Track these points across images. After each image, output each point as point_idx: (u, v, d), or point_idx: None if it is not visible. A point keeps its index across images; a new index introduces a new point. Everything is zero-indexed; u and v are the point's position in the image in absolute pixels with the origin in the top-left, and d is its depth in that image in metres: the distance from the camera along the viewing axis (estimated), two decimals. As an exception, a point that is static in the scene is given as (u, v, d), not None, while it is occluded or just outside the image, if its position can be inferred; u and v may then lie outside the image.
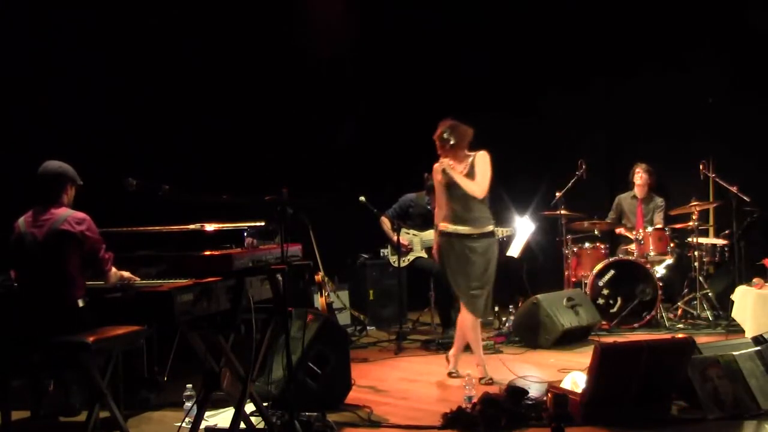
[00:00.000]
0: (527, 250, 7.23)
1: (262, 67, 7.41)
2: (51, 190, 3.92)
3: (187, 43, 6.69)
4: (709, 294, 6.93)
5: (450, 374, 5.20)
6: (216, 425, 4.04)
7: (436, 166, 5.06)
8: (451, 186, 4.99)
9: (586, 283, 6.98)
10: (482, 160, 5.00)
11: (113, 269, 3.93)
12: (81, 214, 3.88)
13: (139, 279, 4.02)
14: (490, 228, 5.05)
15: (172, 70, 6.60)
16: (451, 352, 5.27)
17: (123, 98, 6.29)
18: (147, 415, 4.45)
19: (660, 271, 7.00)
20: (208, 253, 3.45)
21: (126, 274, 4.00)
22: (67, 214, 3.85)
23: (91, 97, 6.12)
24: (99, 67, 6.20)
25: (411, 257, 6.85)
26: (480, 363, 5.06)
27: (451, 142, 4.96)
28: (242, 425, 3.66)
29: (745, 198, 6.83)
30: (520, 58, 8.56)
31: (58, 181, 3.95)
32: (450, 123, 5.02)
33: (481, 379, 4.94)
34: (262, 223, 4.46)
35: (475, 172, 4.96)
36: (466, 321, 5.04)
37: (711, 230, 7.62)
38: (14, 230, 3.91)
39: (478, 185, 4.94)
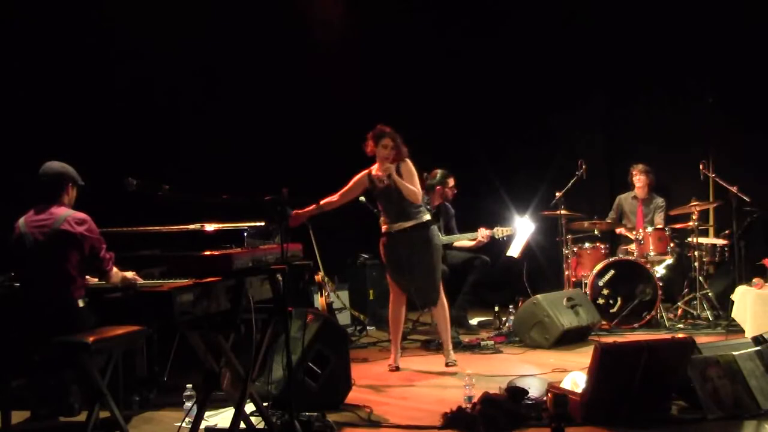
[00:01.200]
0: (527, 250, 7.22)
1: (260, 67, 7.42)
2: (52, 190, 3.92)
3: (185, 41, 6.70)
4: (709, 294, 6.92)
5: (447, 365, 5.43)
6: (216, 425, 4.04)
7: (364, 173, 5.42)
8: (389, 190, 5.31)
9: (586, 283, 6.98)
10: (411, 169, 5.35)
11: (115, 269, 3.93)
12: (81, 215, 3.88)
13: (141, 280, 4.02)
14: (426, 218, 5.40)
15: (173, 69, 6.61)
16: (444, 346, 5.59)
17: (123, 97, 6.30)
18: (147, 415, 4.45)
19: (660, 271, 7.00)
20: (208, 253, 3.45)
21: (129, 274, 4.00)
22: (67, 214, 3.85)
23: (92, 96, 6.13)
24: (99, 66, 6.21)
25: (411, 257, 6.84)
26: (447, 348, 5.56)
27: (397, 150, 5.31)
28: (242, 425, 3.66)
29: (745, 198, 6.83)
30: (518, 56, 8.56)
31: (60, 180, 3.95)
32: (394, 133, 5.37)
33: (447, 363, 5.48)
34: (262, 223, 4.46)
35: (404, 179, 5.28)
36: (438, 313, 5.48)
37: (711, 230, 7.61)
38: (15, 230, 3.91)
39: (418, 190, 5.33)
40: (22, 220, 3.91)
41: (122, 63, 6.35)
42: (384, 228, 5.45)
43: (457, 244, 6.90)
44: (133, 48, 6.38)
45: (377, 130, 5.37)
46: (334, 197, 5.44)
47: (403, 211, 5.34)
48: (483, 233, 6.66)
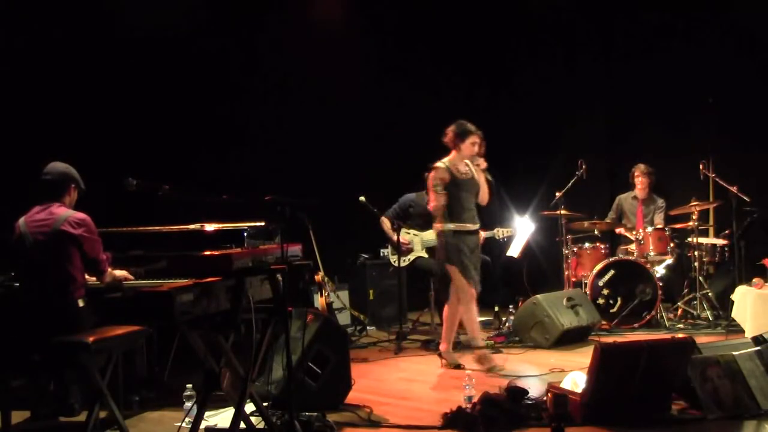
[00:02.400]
0: (527, 250, 7.23)
1: (259, 66, 7.42)
2: (54, 189, 3.93)
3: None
4: (709, 294, 6.92)
5: (459, 367, 5.39)
6: (216, 425, 4.04)
7: (441, 167, 5.38)
8: (471, 184, 5.42)
9: (586, 283, 6.98)
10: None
11: (110, 269, 3.95)
12: (81, 215, 3.88)
13: (133, 278, 4.04)
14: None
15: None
16: (443, 347, 5.54)
17: (123, 97, 6.29)
18: (146, 415, 4.45)
19: (660, 271, 7.00)
20: (208, 253, 3.45)
21: (119, 273, 4.01)
22: (67, 215, 3.85)
23: (91, 96, 6.12)
24: (100, 66, 6.20)
25: (411, 257, 6.85)
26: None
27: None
28: (242, 425, 3.66)
29: (745, 198, 6.83)
30: (519, 57, 8.56)
31: (64, 180, 3.96)
32: None
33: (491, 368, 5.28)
34: (262, 223, 4.46)
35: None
36: (473, 309, 5.46)
37: (711, 230, 7.61)
38: (15, 230, 3.91)
39: None
40: (22, 220, 3.91)
41: (122, 62, 6.34)
42: (460, 226, 5.36)
43: None
44: (133, 46, 6.37)
45: (465, 126, 5.45)
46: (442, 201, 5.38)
47: (475, 208, 5.48)
48: None
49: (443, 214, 5.38)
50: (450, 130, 5.47)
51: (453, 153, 5.46)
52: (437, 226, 5.45)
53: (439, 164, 5.42)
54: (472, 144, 5.41)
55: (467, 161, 5.47)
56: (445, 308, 5.57)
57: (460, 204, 5.38)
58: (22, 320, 3.86)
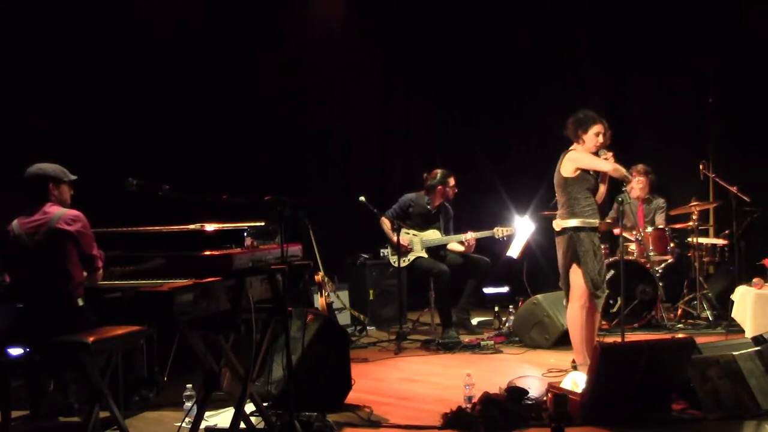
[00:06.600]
0: (527, 250, 7.22)
1: (260, 66, 7.42)
2: (35, 192, 3.93)
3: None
4: (709, 294, 6.92)
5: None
6: (216, 425, 4.04)
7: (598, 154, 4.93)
8: (601, 180, 4.95)
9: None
10: None
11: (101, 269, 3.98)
12: (74, 212, 3.89)
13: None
14: None
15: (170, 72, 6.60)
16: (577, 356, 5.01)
17: (123, 96, 6.30)
18: (146, 415, 4.45)
19: (660, 271, 7.00)
20: (208, 253, 3.45)
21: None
22: (60, 213, 3.86)
23: (91, 96, 6.12)
24: (99, 66, 6.20)
25: (411, 257, 6.85)
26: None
27: None
28: (242, 425, 3.66)
29: (745, 198, 6.83)
30: (519, 56, 8.57)
31: (39, 182, 3.95)
32: None
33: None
34: (262, 223, 4.47)
35: None
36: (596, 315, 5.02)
37: (711, 230, 7.61)
38: (8, 234, 3.90)
39: None
40: (15, 222, 3.91)
41: (122, 61, 6.34)
42: (589, 222, 4.95)
43: (449, 246, 6.91)
44: (133, 44, 6.38)
45: (586, 114, 4.92)
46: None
47: (595, 202, 4.96)
48: (467, 236, 6.68)
49: (567, 210, 4.98)
50: (570, 121, 4.95)
51: (576, 146, 4.98)
52: (561, 222, 5.02)
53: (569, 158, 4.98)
54: (596, 134, 4.86)
55: (594, 153, 4.92)
56: (569, 317, 5.07)
57: (589, 198, 4.94)
58: (22, 320, 3.86)
